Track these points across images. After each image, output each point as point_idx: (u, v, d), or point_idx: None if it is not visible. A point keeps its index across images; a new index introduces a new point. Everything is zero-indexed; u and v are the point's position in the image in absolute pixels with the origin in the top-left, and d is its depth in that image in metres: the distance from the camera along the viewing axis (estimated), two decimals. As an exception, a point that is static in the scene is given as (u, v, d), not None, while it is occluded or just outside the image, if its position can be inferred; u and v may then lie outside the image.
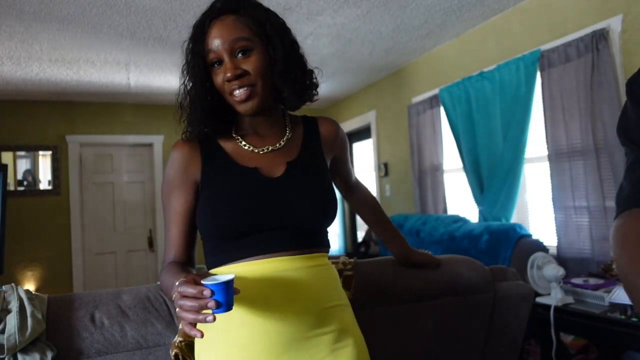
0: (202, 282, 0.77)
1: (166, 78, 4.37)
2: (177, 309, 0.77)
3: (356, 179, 1.35)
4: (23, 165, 4.90)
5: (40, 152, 4.94)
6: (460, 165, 3.62)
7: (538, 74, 2.88)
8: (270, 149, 1.04)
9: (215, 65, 0.98)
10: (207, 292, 0.74)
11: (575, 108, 2.63)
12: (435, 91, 3.87)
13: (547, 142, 2.83)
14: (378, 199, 4.88)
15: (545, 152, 2.86)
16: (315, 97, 1.08)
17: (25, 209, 4.80)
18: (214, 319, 0.75)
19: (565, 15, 2.75)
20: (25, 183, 4.88)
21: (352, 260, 1.41)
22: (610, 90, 2.42)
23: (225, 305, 0.76)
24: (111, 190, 5.34)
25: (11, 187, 4.77)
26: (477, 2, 3.01)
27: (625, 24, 2.42)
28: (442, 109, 3.78)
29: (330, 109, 6.06)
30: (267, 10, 1.02)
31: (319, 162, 1.09)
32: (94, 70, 4.03)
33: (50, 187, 4.96)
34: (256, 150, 1.03)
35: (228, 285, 0.76)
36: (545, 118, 2.83)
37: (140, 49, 3.56)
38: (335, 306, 0.99)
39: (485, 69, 3.33)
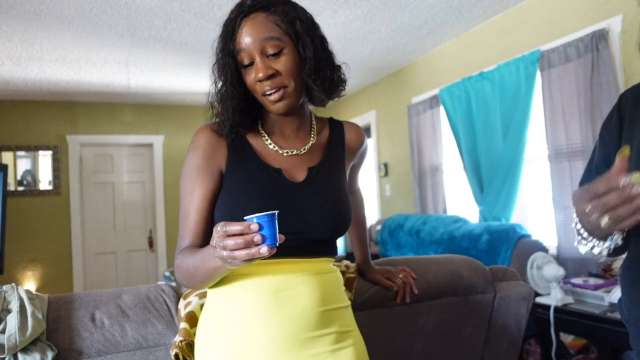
0: (245, 218, 0.74)
1: (166, 78, 4.37)
2: (224, 253, 0.73)
3: (358, 186, 1.34)
4: (23, 165, 4.90)
5: (41, 152, 4.94)
6: (460, 165, 3.62)
7: (538, 74, 2.88)
8: (294, 152, 1.04)
9: (247, 65, 0.97)
10: (254, 226, 0.71)
11: (575, 108, 2.63)
12: (435, 91, 3.87)
13: (547, 142, 2.83)
14: (378, 198, 4.88)
15: (545, 152, 2.87)
16: (343, 93, 1.07)
17: (26, 209, 4.81)
18: (268, 249, 0.71)
19: (565, 15, 2.75)
20: (25, 183, 4.89)
21: (354, 264, 1.42)
22: (610, 91, 2.42)
23: (271, 238, 0.73)
24: (111, 190, 5.34)
25: (11, 187, 4.77)
26: (477, 2, 3.01)
27: (625, 24, 2.42)
28: (442, 109, 3.78)
29: (330, 109, 6.06)
30: (296, 5, 1.00)
31: (339, 171, 1.09)
32: (94, 70, 4.03)
33: (50, 187, 4.96)
34: (280, 151, 1.03)
35: (273, 218, 0.74)
36: (545, 118, 2.83)
37: (140, 49, 3.57)
38: (336, 308, 0.99)
39: (485, 69, 3.33)
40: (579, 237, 0.89)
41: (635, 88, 0.92)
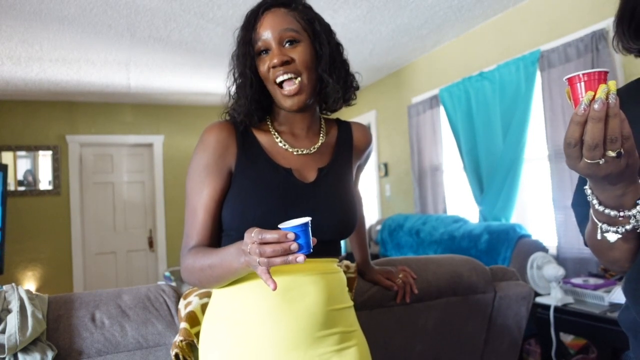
0: (280, 226, 0.75)
1: (166, 78, 4.37)
2: (257, 259, 0.75)
3: (358, 187, 1.35)
4: (23, 165, 4.90)
5: (41, 152, 4.94)
6: (460, 165, 3.62)
7: (538, 74, 2.88)
8: (304, 151, 1.04)
9: (263, 54, 1.00)
10: (291, 235, 0.73)
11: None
12: (435, 91, 3.87)
13: (547, 142, 2.83)
14: (378, 198, 4.88)
15: (545, 152, 2.87)
16: (354, 102, 1.10)
17: (26, 209, 4.81)
18: (304, 258, 0.74)
19: (565, 15, 2.75)
20: (25, 183, 4.88)
21: (354, 264, 1.42)
22: (610, 90, 2.42)
23: (305, 247, 0.74)
24: (111, 190, 5.34)
25: (11, 187, 4.77)
26: (477, 2, 3.01)
27: (625, 24, 2.41)
28: (442, 109, 3.78)
29: (330, 109, 6.06)
30: (315, 12, 1.05)
31: (347, 172, 1.10)
32: (94, 70, 4.03)
33: (50, 187, 4.96)
34: (290, 150, 1.04)
35: (307, 227, 0.75)
36: (545, 118, 2.83)
37: (140, 49, 3.56)
38: (341, 308, 1.00)
39: (485, 69, 3.33)
40: (602, 224, 0.69)
41: (627, 87, 0.91)
